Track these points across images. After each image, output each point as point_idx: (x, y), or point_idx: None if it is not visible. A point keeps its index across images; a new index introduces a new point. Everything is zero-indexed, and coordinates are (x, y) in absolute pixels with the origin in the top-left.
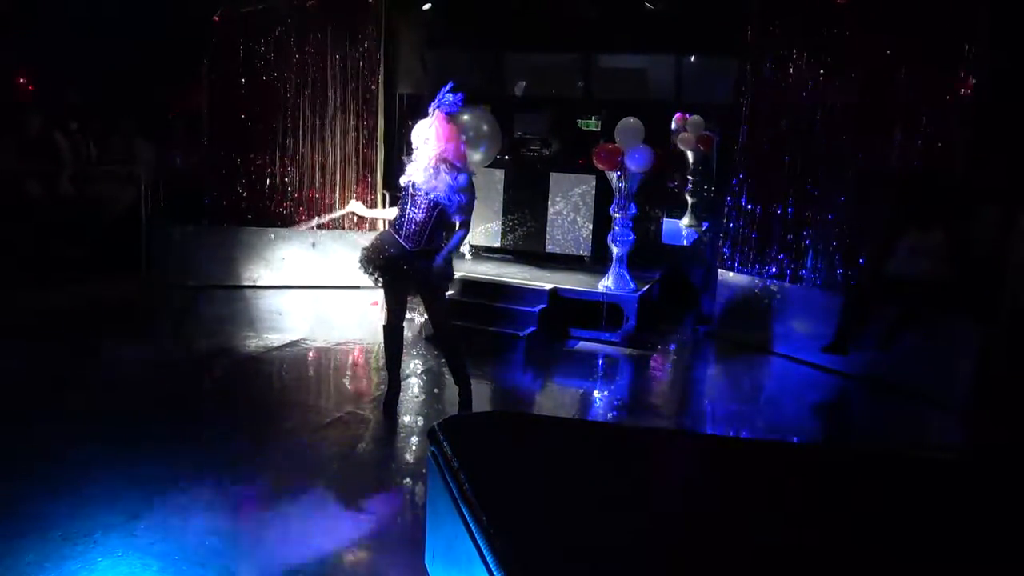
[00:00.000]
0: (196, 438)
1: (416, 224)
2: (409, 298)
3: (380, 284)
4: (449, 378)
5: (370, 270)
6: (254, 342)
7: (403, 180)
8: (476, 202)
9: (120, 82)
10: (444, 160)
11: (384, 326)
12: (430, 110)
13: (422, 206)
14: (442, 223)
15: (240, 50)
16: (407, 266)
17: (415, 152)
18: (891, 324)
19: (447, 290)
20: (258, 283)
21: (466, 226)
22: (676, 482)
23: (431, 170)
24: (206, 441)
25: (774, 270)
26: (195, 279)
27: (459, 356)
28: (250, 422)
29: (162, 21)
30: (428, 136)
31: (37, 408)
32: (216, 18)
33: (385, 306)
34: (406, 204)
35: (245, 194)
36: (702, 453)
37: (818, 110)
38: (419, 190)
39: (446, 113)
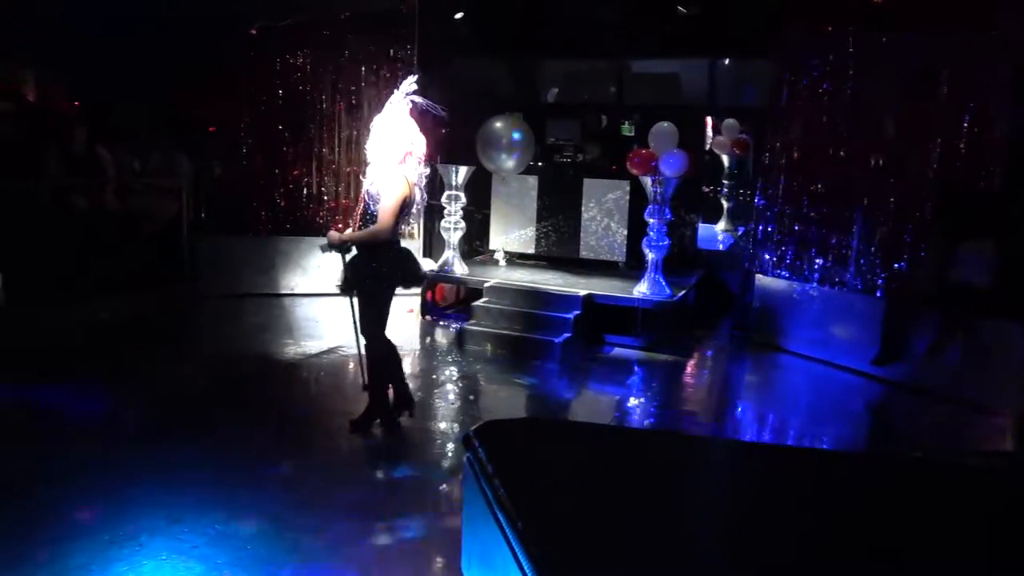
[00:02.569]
0: (237, 443)
1: (354, 220)
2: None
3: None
4: (484, 383)
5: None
6: (293, 349)
7: (368, 182)
8: (511, 209)
9: (161, 97)
10: (409, 154)
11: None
12: (400, 105)
13: (360, 200)
14: (367, 216)
15: (277, 63)
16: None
17: (389, 151)
18: (938, 333)
19: (369, 290)
20: (295, 291)
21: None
22: (713, 489)
23: (389, 164)
24: (247, 446)
25: (813, 275)
26: (235, 288)
27: (373, 366)
28: (290, 428)
29: (202, 36)
30: (391, 128)
31: (82, 415)
32: (253, 32)
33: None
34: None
35: (282, 204)
36: (739, 460)
37: (856, 112)
38: (369, 190)
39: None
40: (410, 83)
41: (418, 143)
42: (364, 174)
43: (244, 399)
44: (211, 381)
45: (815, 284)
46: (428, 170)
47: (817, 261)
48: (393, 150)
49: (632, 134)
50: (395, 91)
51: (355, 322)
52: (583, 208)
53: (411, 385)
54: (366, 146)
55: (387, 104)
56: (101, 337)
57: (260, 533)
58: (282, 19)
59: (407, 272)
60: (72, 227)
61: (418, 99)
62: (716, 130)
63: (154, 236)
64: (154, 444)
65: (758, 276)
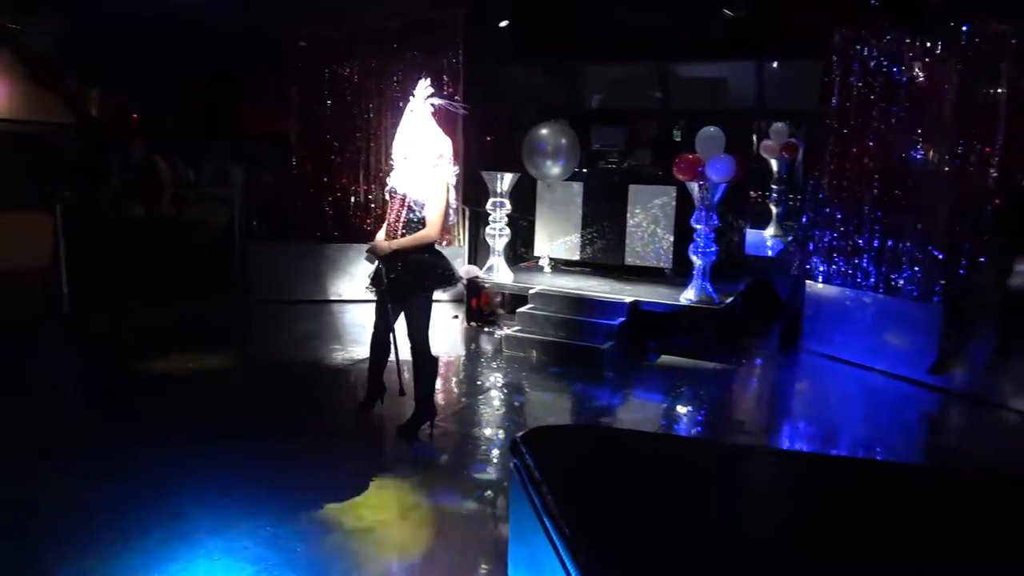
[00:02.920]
0: (287, 447)
1: (391, 226)
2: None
3: (371, 291)
4: (529, 390)
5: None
6: (340, 355)
7: (390, 182)
8: (556, 215)
9: (214, 108)
10: (442, 156)
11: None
12: (416, 106)
13: (395, 207)
14: (413, 222)
15: (325, 73)
16: (384, 270)
17: (405, 152)
18: (999, 341)
19: (417, 297)
20: (343, 297)
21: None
22: (762, 499)
23: (428, 168)
24: (296, 450)
25: (867, 281)
26: (285, 295)
27: (424, 375)
28: (337, 432)
29: (253, 49)
30: (422, 133)
31: (136, 419)
32: (303, 44)
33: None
34: (388, 208)
35: (331, 212)
36: (790, 470)
37: (911, 113)
38: (397, 193)
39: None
40: (425, 86)
41: (446, 145)
42: (389, 179)
43: (294, 403)
44: (262, 385)
45: (868, 291)
46: (458, 170)
47: (871, 267)
48: (426, 154)
49: (679, 139)
50: (412, 96)
51: (391, 328)
52: (629, 214)
53: (456, 391)
54: (393, 151)
55: (408, 109)
56: (157, 342)
57: (308, 535)
58: (331, 31)
59: (446, 274)
60: (131, 235)
61: (437, 101)
62: (764, 134)
63: (208, 243)
64: (207, 446)
65: (809, 282)
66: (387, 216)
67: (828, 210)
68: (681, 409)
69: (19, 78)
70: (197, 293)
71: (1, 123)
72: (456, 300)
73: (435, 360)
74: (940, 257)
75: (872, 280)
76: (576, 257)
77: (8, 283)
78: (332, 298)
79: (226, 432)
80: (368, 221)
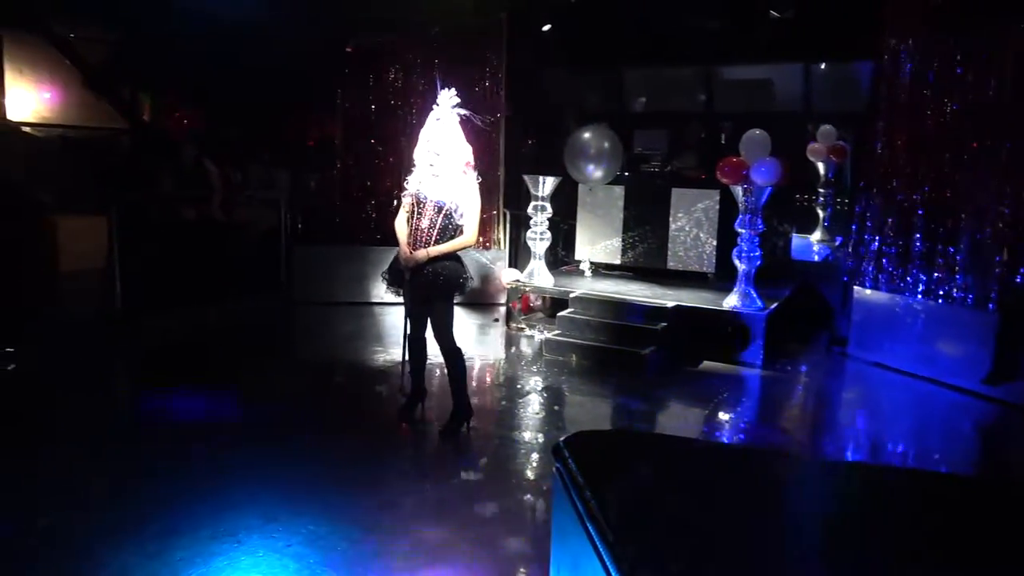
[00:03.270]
0: (330, 446)
1: (423, 232)
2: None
3: (398, 294)
4: (569, 394)
5: (386, 281)
6: (382, 356)
7: (413, 189)
8: (597, 219)
9: (261, 113)
10: (469, 164)
11: (406, 335)
12: (443, 114)
13: (428, 214)
14: (449, 228)
15: (370, 79)
16: (409, 275)
17: (433, 160)
18: None
19: (447, 299)
20: (384, 300)
21: (470, 230)
22: (809, 508)
23: (459, 175)
24: (339, 449)
25: (917, 287)
26: (328, 296)
27: (458, 373)
28: (378, 433)
29: (299, 55)
30: (451, 140)
31: (183, 416)
32: (349, 49)
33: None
34: (413, 214)
35: (374, 215)
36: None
37: (964, 114)
38: (425, 198)
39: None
40: (452, 95)
41: (470, 152)
42: (410, 185)
43: (337, 403)
44: (305, 385)
45: (919, 297)
46: (479, 177)
47: (921, 273)
48: (457, 161)
49: (723, 142)
50: (437, 104)
51: (423, 330)
52: (671, 218)
53: (496, 394)
54: (416, 157)
55: (434, 117)
56: (205, 342)
57: (349, 534)
58: (376, 36)
59: (467, 279)
60: (181, 237)
61: (462, 111)
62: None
63: (254, 246)
64: (251, 444)
65: (857, 288)
66: (413, 222)
67: (878, 214)
68: (723, 416)
69: (76, 86)
70: (243, 294)
71: (59, 129)
72: (499, 304)
73: (462, 353)
74: (996, 262)
75: (923, 287)
76: (617, 261)
77: (68, 284)
78: (373, 300)
79: (269, 430)
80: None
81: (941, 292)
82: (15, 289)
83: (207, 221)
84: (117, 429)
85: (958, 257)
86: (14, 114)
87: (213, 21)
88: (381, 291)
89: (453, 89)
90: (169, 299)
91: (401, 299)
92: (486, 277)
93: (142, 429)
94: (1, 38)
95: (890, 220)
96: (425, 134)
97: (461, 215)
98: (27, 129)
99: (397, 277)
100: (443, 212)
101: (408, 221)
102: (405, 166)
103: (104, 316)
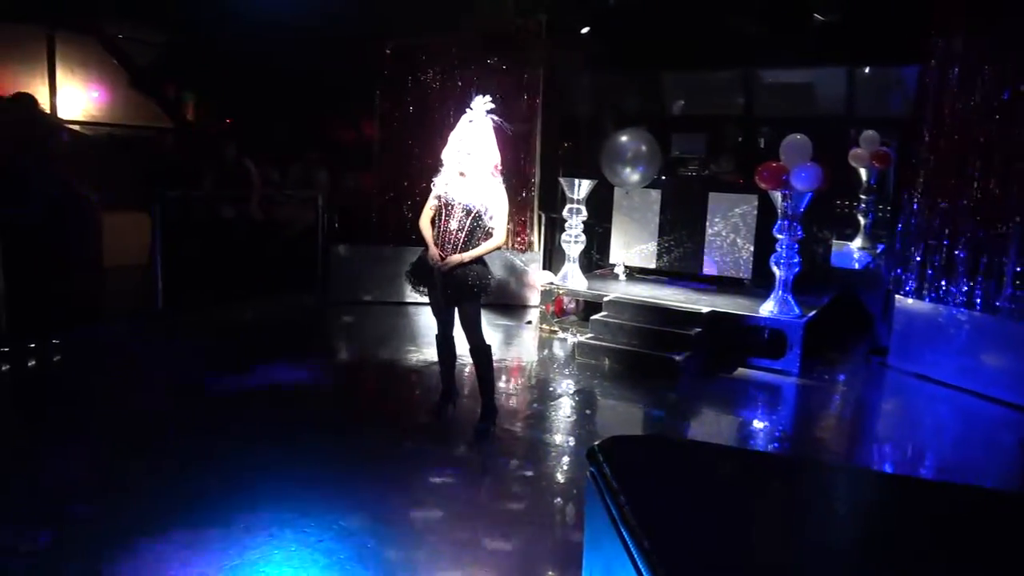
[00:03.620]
0: (361, 444)
1: (451, 234)
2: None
3: (423, 294)
4: (601, 398)
5: (411, 281)
6: (415, 356)
7: (440, 190)
8: (633, 223)
9: (301, 113)
10: (497, 167)
11: (436, 335)
12: (476, 117)
13: (457, 216)
14: (477, 231)
15: (408, 80)
16: (438, 276)
17: (463, 159)
18: None
19: (476, 300)
20: (418, 300)
21: (500, 233)
22: (846, 518)
23: (488, 178)
24: (370, 447)
25: (962, 297)
26: (363, 295)
27: (486, 371)
28: (410, 433)
29: (339, 56)
30: (482, 144)
31: (218, 412)
32: (388, 51)
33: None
34: (440, 215)
35: (410, 215)
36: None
37: (1013, 120)
38: (453, 200)
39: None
40: (486, 101)
41: (498, 156)
42: (439, 187)
43: (369, 402)
44: (339, 383)
45: (963, 308)
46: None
47: (967, 283)
48: (486, 163)
49: (762, 147)
50: (470, 108)
51: (441, 331)
52: (708, 223)
53: (528, 396)
54: (446, 160)
55: (467, 120)
56: (241, 338)
57: (379, 531)
58: (415, 38)
59: (492, 280)
60: (220, 235)
61: (496, 117)
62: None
63: (292, 244)
64: (284, 441)
65: (898, 297)
66: (440, 224)
67: (922, 221)
68: (758, 424)
69: (123, 85)
70: (279, 292)
71: (106, 127)
72: (531, 306)
73: (490, 351)
74: None
75: (968, 297)
76: (652, 265)
77: (113, 279)
78: (407, 300)
79: (303, 427)
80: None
81: (987, 302)
82: (64, 283)
83: (246, 219)
84: (155, 423)
85: (1006, 267)
86: (65, 112)
87: (255, 23)
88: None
89: (488, 96)
90: (207, 296)
91: (426, 299)
92: (519, 279)
93: (178, 424)
94: (54, 38)
95: (935, 228)
96: (456, 135)
97: (491, 218)
98: (76, 127)
99: (422, 277)
100: (472, 215)
101: (433, 222)
102: (442, 167)
103: (145, 311)
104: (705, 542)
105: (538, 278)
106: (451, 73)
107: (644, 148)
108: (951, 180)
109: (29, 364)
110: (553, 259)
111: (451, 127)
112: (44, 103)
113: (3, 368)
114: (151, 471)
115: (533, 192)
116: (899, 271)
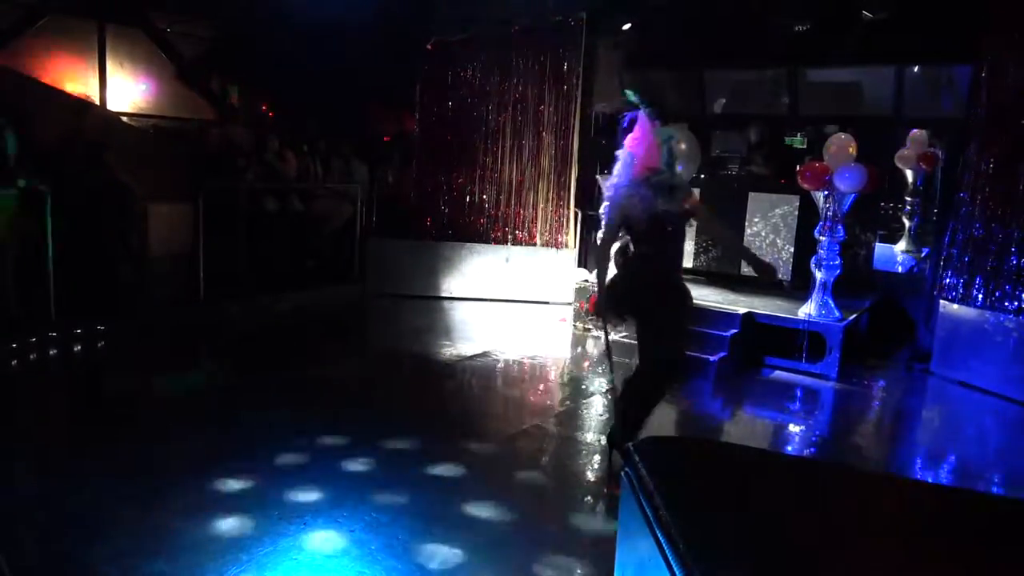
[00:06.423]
0: (395, 437)
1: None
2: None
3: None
4: None
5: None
6: (449, 350)
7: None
8: None
9: (343, 107)
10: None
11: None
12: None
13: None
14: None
15: (448, 76)
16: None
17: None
18: None
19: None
20: (453, 295)
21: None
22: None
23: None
24: (403, 440)
25: (1010, 304)
26: (399, 289)
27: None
28: (443, 428)
29: (381, 51)
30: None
31: (256, 403)
32: (429, 47)
33: None
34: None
35: (447, 211)
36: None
37: None
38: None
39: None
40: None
41: None
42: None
43: (403, 395)
44: (375, 376)
45: (1012, 315)
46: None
47: (1016, 289)
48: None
49: (804, 146)
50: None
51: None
52: (747, 223)
53: (560, 394)
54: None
55: (640, 128)
56: (279, 330)
57: (410, 524)
58: (457, 34)
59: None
60: (261, 227)
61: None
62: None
63: (331, 238)
64: (320, 432)
65: (943, 303)
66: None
67: (970, 225)
68: (794, 428)
69: (169, 78)
70: (319, 285)
71: (153, 119)
72: (566, 304)
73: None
74: None
75: (1016, 303)
76: (689, 265)
77: (159, 269)
78: (443, 295)
79: (338, 418)
80: (481, 221)
81: None
82: (110, 271)
83: (287, 211)
84: (193, 410)
85: None
86: (114, 104)
87: (300, 18)
88: (451, 286)
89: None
90: (248, 287)
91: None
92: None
93: (218, 412)
94: (104, 31)
95: (983, 232)
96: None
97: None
98: (125, 119)
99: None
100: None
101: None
102: (480, 163)
103: (187, 301)
104: (741, 547)
105: (573, 275)
106: (491, 69)
107: (684, 147)
108: (1004, 183)
109: (75, 349)
110: (588, 257)
111: (490, 123)
112: (94, 95)
113: (52, 352)
114: (186, 457)
115: (570, 190)
116: (945, 276)
